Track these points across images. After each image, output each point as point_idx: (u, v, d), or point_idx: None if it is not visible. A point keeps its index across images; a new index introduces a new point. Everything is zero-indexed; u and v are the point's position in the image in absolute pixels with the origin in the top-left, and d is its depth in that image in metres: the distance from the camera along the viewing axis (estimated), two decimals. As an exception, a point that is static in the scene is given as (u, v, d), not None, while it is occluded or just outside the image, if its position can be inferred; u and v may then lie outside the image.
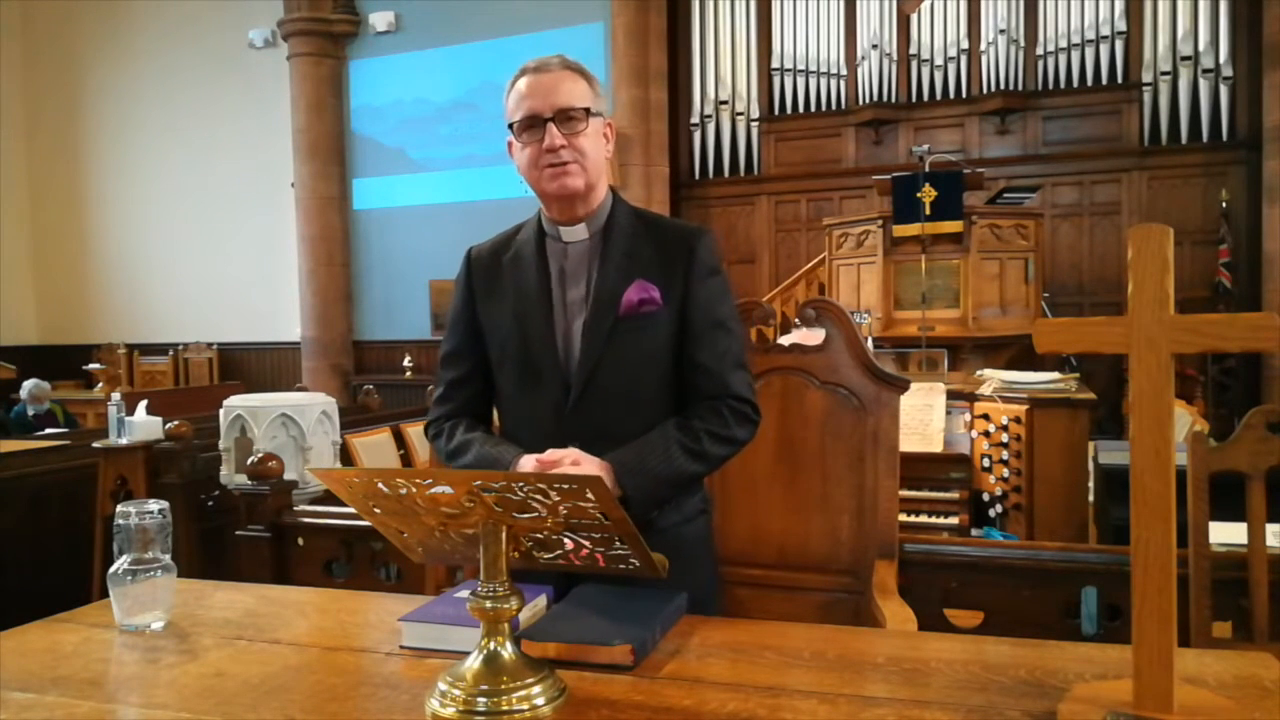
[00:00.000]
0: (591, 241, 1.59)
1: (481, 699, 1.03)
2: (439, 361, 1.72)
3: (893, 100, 8.50)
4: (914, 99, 8.47)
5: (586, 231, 1.59)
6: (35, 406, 6.90)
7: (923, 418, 3.74)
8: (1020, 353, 5.96)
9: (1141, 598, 0.95)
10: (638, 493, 1.44)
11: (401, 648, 1.25)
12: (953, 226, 6.02)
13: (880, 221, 6.30)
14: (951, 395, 3.85)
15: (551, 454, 1.43)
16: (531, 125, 1.52)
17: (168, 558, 1.37)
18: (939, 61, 8.32)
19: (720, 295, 1.59)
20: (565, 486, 1.03)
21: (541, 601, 1.35)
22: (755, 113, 8.95)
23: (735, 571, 2.06)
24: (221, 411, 3.63)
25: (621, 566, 1.20)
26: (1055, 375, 3.92)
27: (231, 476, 3.52)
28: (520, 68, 1.56)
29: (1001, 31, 8.05)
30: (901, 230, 6.12)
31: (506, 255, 1.64)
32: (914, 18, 8.25)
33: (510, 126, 1.55)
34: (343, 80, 9.90)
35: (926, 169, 5.99)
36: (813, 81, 8.76)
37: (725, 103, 8.97)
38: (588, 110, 1.52)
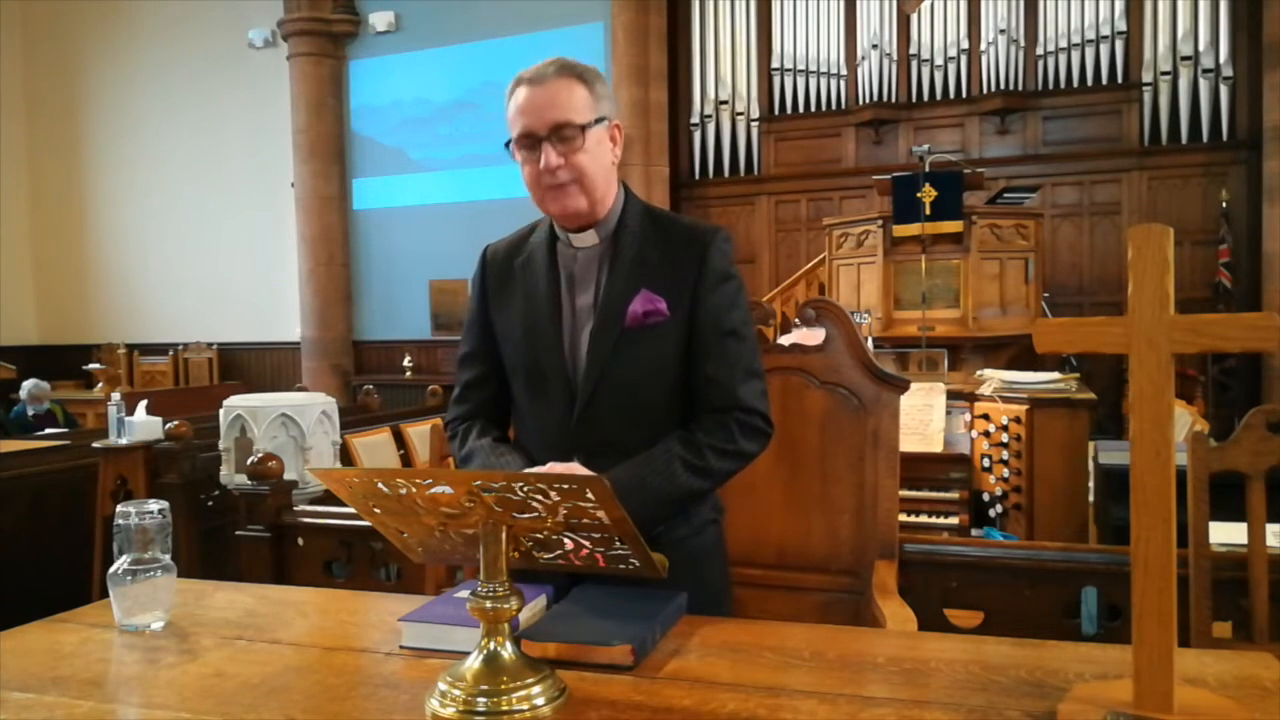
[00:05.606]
0: (601, 246, 1.55)
1: (481, 699, 1.03)
2: (457, 361, 1.70)
3: (893, 100, 8.50)
4: (914, 99, 8.47)
5: (596, 237, 1.55)
6: (35, 406, 6.89)
7: (923, 418, 3.74)
8: (1020, 353, 5.96)
9: (1141, 598, 0.95)
10: (636, 513, 1.41)
11: (401, 648, 1.25)
12: (953, 226, 6.01)
13: (880, 221, 6.30)
14: (951, 395, 3.85)
15: (552, 467, 1.43)
16: (528, 144, 1.47)
17: (168, 558, 1.37)
18: (939, 61, 8.32)
19: (731, 302, 1.53)
20: (565, 486, 1.03)
21: (541, 601, 1.35)
22: (755, 113, 8.95)
23: (735, 571, 2.04)
24: (221, 411, 3.63)
25: (621, 566, 1.20)
26: (1055, 375, 3.92)
27: (231, 476, 3.52)
28: (516, 76, 1.50)
29: (1001, 31, 8.05)
30: (901, 230, 6.12)
31: (519, 259, 1.61)
32: (914, 18, 8.25)
33: (508, 144, 1.51)
34: (343, 80, 9.90)
35: (926, 169, 5.98)
36: (813, 81, 8.76)
37: (725, 103, 8.97)
38: (584, 126, 1.46)
